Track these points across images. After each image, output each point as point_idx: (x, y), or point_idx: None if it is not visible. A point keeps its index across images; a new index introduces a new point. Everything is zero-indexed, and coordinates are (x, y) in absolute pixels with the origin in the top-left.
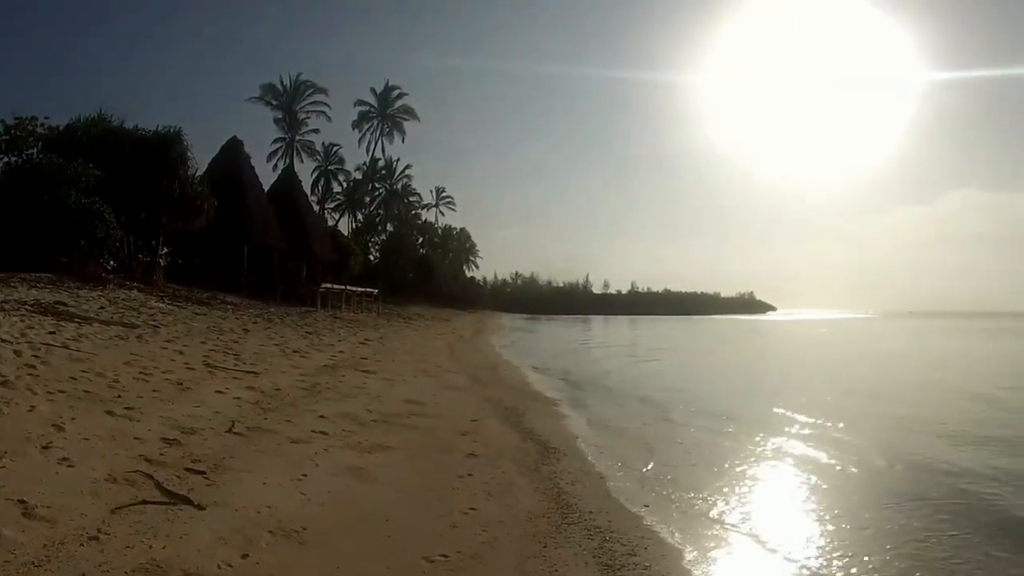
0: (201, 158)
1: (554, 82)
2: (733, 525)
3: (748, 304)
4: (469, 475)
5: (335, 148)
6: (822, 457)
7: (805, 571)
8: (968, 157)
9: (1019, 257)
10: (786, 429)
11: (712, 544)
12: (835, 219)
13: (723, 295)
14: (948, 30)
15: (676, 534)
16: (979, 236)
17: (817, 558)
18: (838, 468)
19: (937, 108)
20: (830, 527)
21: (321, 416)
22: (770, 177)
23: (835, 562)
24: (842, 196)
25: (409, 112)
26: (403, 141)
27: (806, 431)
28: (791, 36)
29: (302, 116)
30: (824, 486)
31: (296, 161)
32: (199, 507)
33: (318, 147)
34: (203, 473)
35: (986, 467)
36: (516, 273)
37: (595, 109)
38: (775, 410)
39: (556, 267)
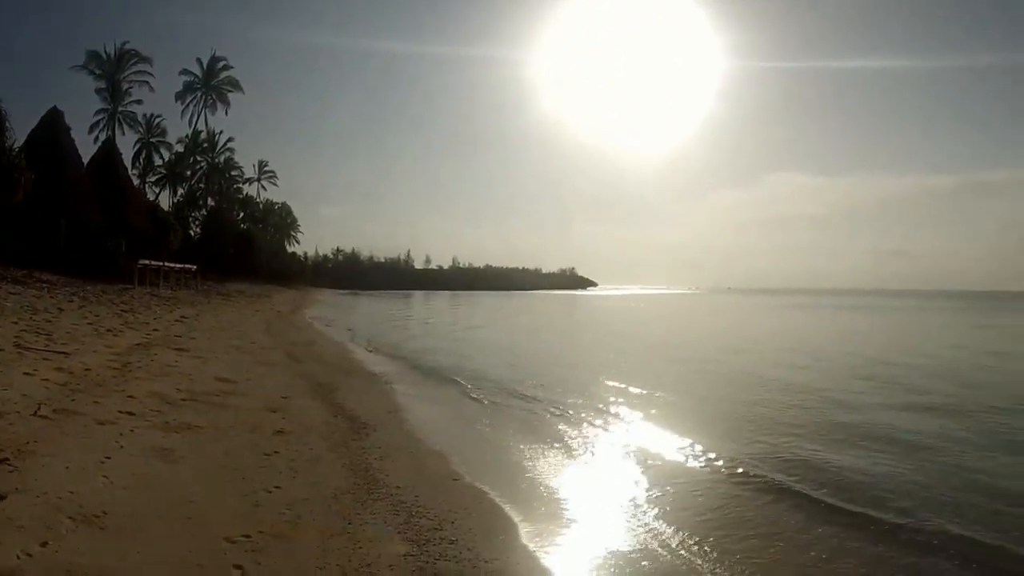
0: (20, 130)
1: (386, 58)
2: (545, 499)
3: (570, 280)
4: (276, 452)
5: (158, 120)
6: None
7: (606, 547)
8: (790, 143)
9: (835, 237)
10: (571, 393)
11: (522, 517)
12: (660, 198)
13: (545, 271)
14: (774, 23)
15: (484, 508)
16: (799, 217)
17: (606, 523)
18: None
19: (760, 96)
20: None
21: (130, 396)
22: (596, 156)
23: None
24: (666, 176)
25: (234, 84)
26: (227, 113)
27: (611, 396)
28: (619, 22)
29: (126, 86)
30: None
31: (118, 133)
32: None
33: (140, 119)
34: (5, 460)
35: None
36: (337, 249)
37: (425, 86)
38: (564, 375)
39: (378, 243)
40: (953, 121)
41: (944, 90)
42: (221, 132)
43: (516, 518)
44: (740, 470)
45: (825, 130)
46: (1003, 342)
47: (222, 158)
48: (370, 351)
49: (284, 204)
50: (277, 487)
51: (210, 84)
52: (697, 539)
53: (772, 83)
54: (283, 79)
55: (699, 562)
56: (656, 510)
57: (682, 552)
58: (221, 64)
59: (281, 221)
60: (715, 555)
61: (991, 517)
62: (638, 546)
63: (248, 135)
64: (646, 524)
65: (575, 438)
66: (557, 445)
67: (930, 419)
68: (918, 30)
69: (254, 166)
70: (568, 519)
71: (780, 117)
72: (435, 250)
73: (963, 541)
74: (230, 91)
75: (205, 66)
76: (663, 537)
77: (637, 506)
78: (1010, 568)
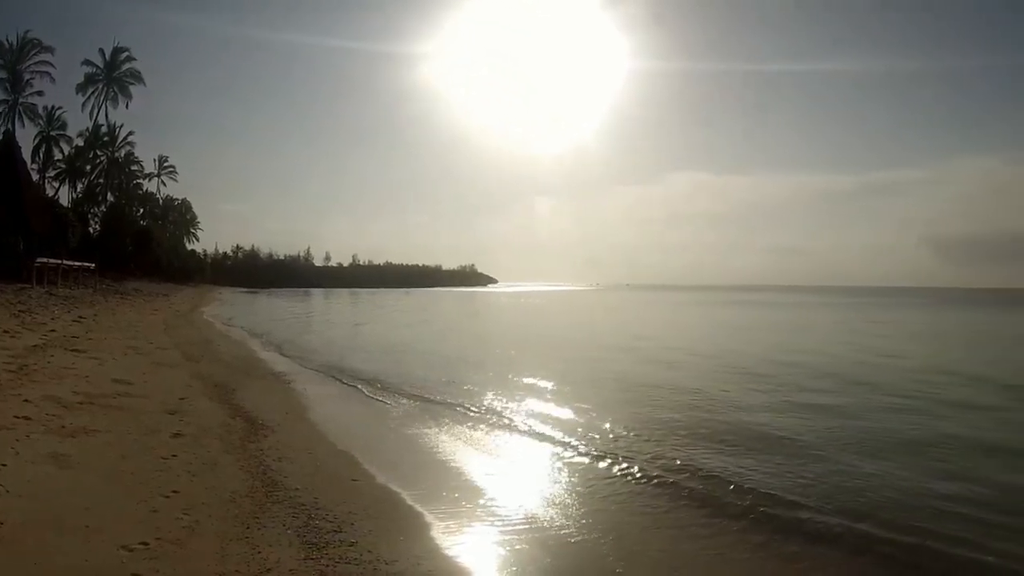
0: None
1: (288, 51)
2: (446, 498)
3: (469, 276)
4: (174, 456)
5: (59, 112)
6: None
7: (506, 544)
8: (692, 142)
9: (735, 234)
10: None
11: (423, 516)
12: (562, 196)
13: (445, 267)
14: (679, 25)
15: (384, 508)
16: (700, 215)
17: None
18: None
19: (665, 96)
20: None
21: (26, 400)
22: (498, 153)
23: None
24: (569, 174)
25: (136, 76)
26: (127, 107)
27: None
28: (525, 21)
29: (27, 77)
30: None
31: (18, 126)
32: None
33: (41, 111)
34: None
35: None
36: (237, 246)
37: (329, 80)
38: (460, 372)
39: (280, 240)
40: (857, 123)
41: (848, 93)
42: (122, 126)
43: (417, 518)
44: (629, 467)
45: (727, 130)
46: (890, 338)
47: (122, 152)
48: (269, 350)
49: (184, 200)
50: (175, 491)
51: (112, 76)
52: (596, 533)
53: (676, 83)
54: (184, 71)
55: (604, 551)
56: (554, 505)
57: (585, 544)
58: (124, 55)
59: (181, 218)
60: (614, 547)
61: (874, 507)
62: (538, 542)
63: (149, 129)
64: (547, 519)
65: (474, 435)
66: (457, 442)
67: (811, 415)
68: (822, 35)
69: (155, 161)
70: (469, 517)
71: (683, 117)
72: (336, 247)
73: (853, 532)
74: (132, 84)
75: (108, 57)
76: (563, 532)
77: (537, 501)
78: (888, 552)
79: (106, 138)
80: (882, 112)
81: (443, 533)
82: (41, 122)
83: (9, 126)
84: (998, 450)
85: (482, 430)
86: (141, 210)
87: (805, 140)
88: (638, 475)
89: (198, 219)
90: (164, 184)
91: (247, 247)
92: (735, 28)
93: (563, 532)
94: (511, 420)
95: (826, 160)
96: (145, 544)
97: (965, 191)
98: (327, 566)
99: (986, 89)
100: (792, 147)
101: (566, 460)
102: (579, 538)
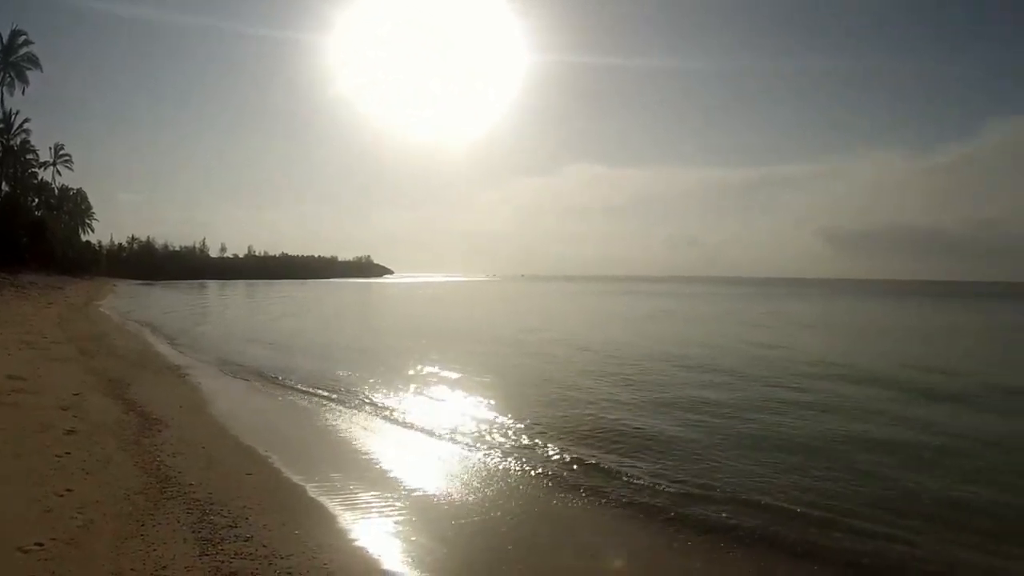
0: None
1: (193, 36)
2: (340, 488)
3: (366, 268)
4: (68, 453)
5: None
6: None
7: (400, 534)
8: (590, 135)
9: (632, 226)
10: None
11: (318, 508)
12: (460, 187)
13: (341, 259)
14: (581, 20)
15: (279, 502)
16: (596, 206)
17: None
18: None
19: (564, 90)
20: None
21: None
22: (397, 144)
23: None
24: (467, 165)
25: (33, 61)
26: (23, 93)
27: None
28: (427, 14)
29: None
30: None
31: None
32: None
33: None
34: None
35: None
36: (132, 237)
37: (225, 65)
38: (356, 363)
39: (177, 230)
40: (755, 119)
41: (747, 90)
42: (17, 112)
43: (314, 510)
44: (517, 460)
45: (624, 124)
46: (774, 329)
47: (17, 140)
48: (164, 344)
49: (80, 190)
50: (69, 490)
51: (9, 61)
52: (489, 523)
53: (577, 77)
54: (81, 56)
55: (496, 542)
56: (448, 496)
57: (477, 534)
58: (22, 39)
59: (76, 208)
60: (506, 537)
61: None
62: (433, 534)
63: (44, 116)
64: (441, 510)
65: (369, 426)
66: (353, 434)
67: (680, 407)
68: (722, 33)
69: (50, 149)
70: (366, 509)
71: (582, 110)
72: (233, 237)
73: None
74: (29, 69)
75: (5, 41)
76: (456, 523)
77: (432, 493)
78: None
79: (1, 125)
80: (780, 109)
81: (340, 525)
82: None
83: None
84: (857, 438)
85: (377, 422)
86: (36, 200)
87: (703, 135)
88: (526, 467)
89: (93, 209)
90: (60, 173)
91: (143, 238)
92: (638, 24)
93: (457, 523)
94: (404, 413)
95: (724, 154)
96: (40, 545)
97: (861, 186)
98: (222, 562)
99: (885, 88)
100: (689, 142)
101: (458, 453)
102: (472, 529)
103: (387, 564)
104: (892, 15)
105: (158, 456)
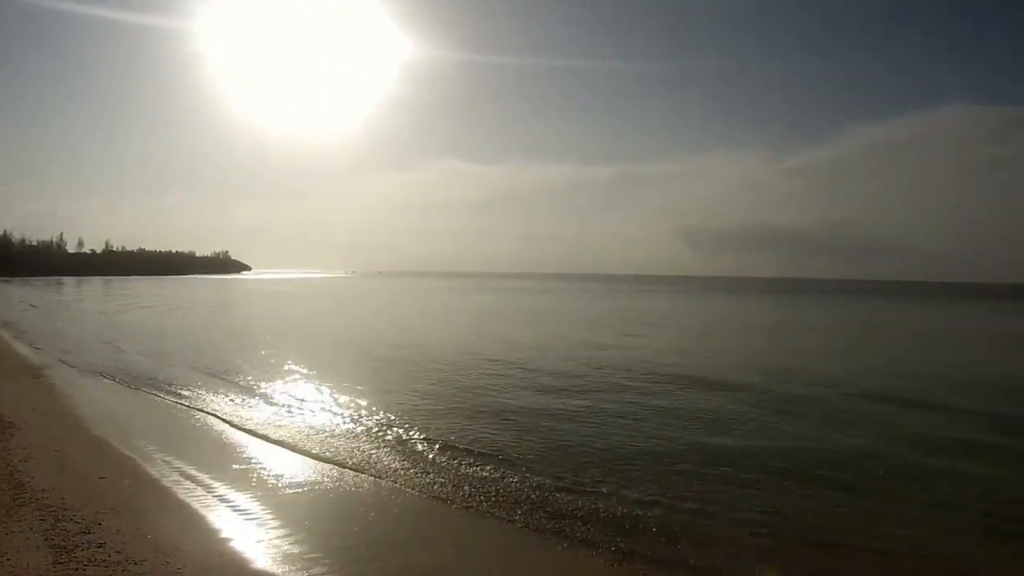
0: None
1: (43, 19)
2: (197, 494)
3: (223, 264)
4: None
5: None
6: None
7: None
8: (452, 131)
9: (491, 222)
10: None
11: (171, 514)
12: (320, 183)
13: (199, 254)
14: (451, 19)
15: (134, 506)
16: (456, 202)
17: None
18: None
19: (429, 86)
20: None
21: None
22: (262, 138)
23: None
24: (329, 160)
25: None
26: None
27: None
28: (299, 8)
29: None
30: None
31: None
32: None
33: None
34: None
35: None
36: None
37: (86, 52)
38: (217, 360)
39: (32, 223)
40: (614, 118)
41: (606, 90)
42: None
43: (168, 512)
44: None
45: (488, 120)
46: (622, 324)
47: None
48: (19, 343)
49: None
50: None
51: None
52: (336, 520)
53: (443, 74)
54: None
55: (344, 541)
56: (299, 497)
57: (327, 530)
58: None
59: None
60: (351, 533)
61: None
62: (287, 533)
63: None
64: (293, 510)
65: (229, 422)
66: (211, 433)
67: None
68: (582, 33)
69: None
70: (219, 511)
71: (446, 106)
72: (94, 231)
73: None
74: None
75: None
76: (307, 522)
77: (283, 492)
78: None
79: None
80: (639, 108)
81: (194, 529)
82: None
83: None
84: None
85: (243, 415)
86: None
87: (562, 133)
88: (360, 470)
89: None
90: None
91: None
92: (506, 22)
93: (308, 522)
94: (255, 412)
95: (584, 152)
96: None
97: (718, 185)
98: (76, 570)
99: (744, 93)
100: (550, 139)
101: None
102: (321, 525)
103: (239, 567)
104: (751, 20)
105: (10, 461)
